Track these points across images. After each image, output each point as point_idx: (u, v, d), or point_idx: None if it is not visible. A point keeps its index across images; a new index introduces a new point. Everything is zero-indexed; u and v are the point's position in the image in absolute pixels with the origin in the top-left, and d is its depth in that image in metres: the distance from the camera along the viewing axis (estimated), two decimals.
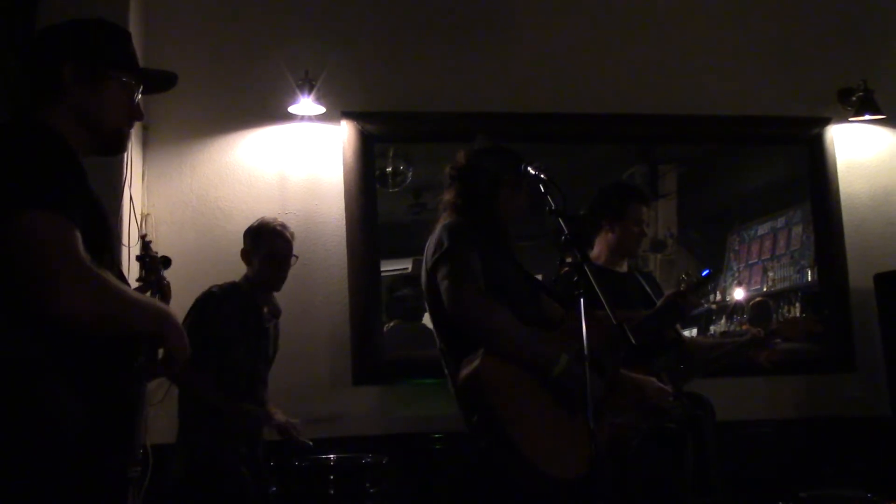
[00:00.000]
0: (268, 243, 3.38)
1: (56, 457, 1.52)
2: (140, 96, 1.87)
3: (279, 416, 3.42)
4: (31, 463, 1.50)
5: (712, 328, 4.48)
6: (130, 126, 1.87)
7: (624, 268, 3.60)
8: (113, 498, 1.62)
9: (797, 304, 4.54)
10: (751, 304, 4.53)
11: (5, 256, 1.47)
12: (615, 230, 3.52)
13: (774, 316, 4.45)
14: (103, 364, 1.61)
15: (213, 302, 3.28)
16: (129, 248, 3.57)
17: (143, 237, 2.16)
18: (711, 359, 3.54)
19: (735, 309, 4.52)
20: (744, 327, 4.38)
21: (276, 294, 3.51)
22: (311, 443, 3.38)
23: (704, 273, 3.25)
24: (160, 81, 1.97)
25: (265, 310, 3.42)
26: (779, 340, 3.45)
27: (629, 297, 3.41)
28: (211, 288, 3.34)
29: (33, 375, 1.53)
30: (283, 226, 3.44)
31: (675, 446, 3.19)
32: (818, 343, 4.40)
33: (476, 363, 2.55)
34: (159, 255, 2.09)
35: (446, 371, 2.75)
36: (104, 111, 1.78)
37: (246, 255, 3.42)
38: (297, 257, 3.47)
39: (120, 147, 1.86)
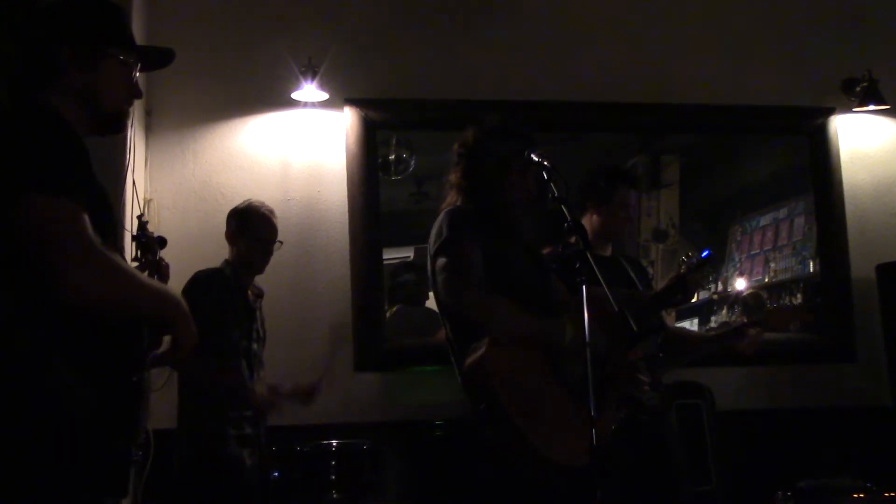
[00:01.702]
0: (255, 228, 3.40)
1: (61, 438, 1.52)
2: (138, 74, 1.86)
3: (265, 394, 3.41)
4: (37, 444, 1.51)
5: (713, 318, 4.49)
6: (130, 104, 1.86)
7: (608, 252, 3.55)
8: (115, 479, 1.63)
9: (799, 295, 4.54)
10: (744, 295, 4.51)
11: (15, 241, 1.48)
12: (601, 213, 3.44)
13: (768, 307, 4.45)
14: (109, 348, 1.61)
15: (199, 286, 3.28)
16: (131, 232, 3.58)
17: (139, 217, 2.17)
18: (692, 349, 3.51)
19: (737, 299, 4.53)
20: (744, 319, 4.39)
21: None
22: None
23: (704, 254, 3.22)
24: (158, 58, 1.96)
25: (250, 292, 3.44)
26: (759, 328, 3.39)
27: (614, 281, 3.37)
28: (197, 273, 3.35)
29: (40, 358, 1.53)
30: (271, 211, 3.46)
31: (646, 438, 3.15)
32: (819, 333, 4.41)
33: (481, 351, 2.53)
34: (155, 235, 2.09)
35: (453, 358, 2.74)
36: (103, 91, 1.76)
37: (231, 237, 3.43)
38: (281, 243, 3.49)
39: (120, 126, 1.85)
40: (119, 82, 1.80)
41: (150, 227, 3.89)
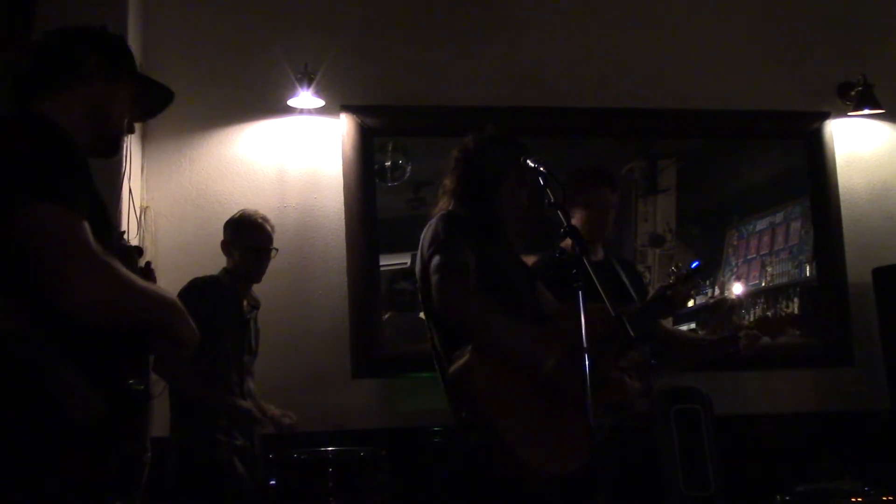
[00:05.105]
0: (249, 236, 3.40)
1: (68, 442, 1.53)
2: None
3: (273, 411, 3.42)
4: (45, 448, 1.52)
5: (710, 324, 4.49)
6: (125, 133, 1.92)
7: (599, 256, 3.52)
8: (124, 481, 1.64)
9: (795, 299, 4.54)
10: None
11: (18, 250, 1.49)
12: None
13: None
14: (114, 352, 1.63)
15: (196, 293, 3.27)
16: (127, 240, 3.57)
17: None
18: (687, 355, 3.49)
19: (733, 305, 4.52)
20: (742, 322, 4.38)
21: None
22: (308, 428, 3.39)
23: (693, 265, 3.19)
24: (156, 98, 2.02)
25: (245, 302, 3.44)
26: (753, 331, 3.37)
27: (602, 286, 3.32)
28: (193, 280, 3.35)
29: (46, 364, 1.54)
30: (264, 218, 3.46)
31: (634, 444, 3.14)
32: (816, 337, 4.41)
33: (465, 358, 2.52)
34: (130, 243, 2.10)
35: (437, 365, 2.73)
36: (114, 110, 1.83)
37: (226, 246, 3.44)
38: (276, 250, 3.48)
39: (115, 150, 1.90)
40: (126, 108, 1.87)
41: (147, 235, 3.92)
